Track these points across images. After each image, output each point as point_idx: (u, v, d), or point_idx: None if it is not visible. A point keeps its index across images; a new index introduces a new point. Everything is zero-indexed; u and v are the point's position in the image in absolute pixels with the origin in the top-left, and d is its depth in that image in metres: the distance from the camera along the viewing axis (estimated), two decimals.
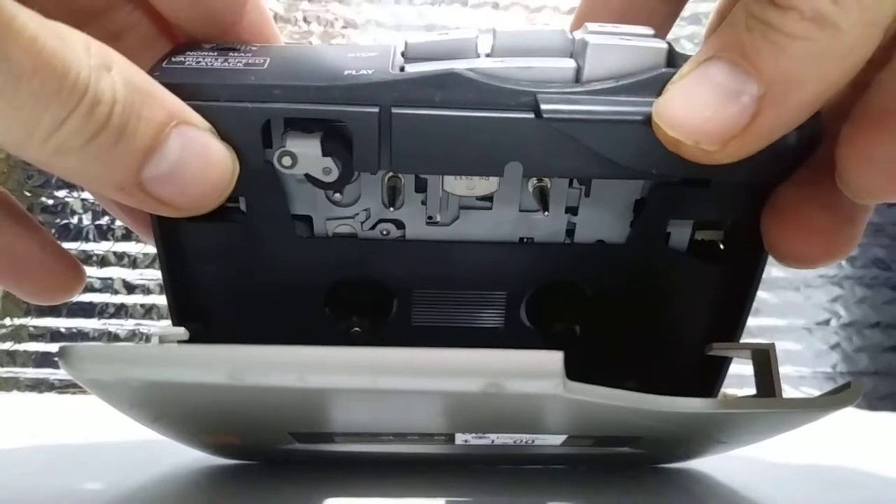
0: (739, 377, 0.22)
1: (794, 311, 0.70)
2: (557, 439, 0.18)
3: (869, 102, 0.15)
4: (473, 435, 0.18)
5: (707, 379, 0.22)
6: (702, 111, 0.14)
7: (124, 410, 0.17)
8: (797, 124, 0.15)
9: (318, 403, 0.15)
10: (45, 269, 0.19)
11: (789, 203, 0.17)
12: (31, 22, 0.13)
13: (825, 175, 0.16)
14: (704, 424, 0.17)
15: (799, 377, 0.70)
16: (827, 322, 0.71)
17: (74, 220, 0.67)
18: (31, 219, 0.19)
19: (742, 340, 0.21)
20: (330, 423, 0.17)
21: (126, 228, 0.67)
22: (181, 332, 0.18)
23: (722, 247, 0.21)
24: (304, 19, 0.68)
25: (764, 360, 0.18)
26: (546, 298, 0.21)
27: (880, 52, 0.15)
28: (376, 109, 0.17)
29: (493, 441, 0.18)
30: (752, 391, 0.18)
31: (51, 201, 0.66)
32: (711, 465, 0.23)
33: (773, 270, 0.68)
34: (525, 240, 0.20)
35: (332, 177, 0.18)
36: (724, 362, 0.21)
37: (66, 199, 0.67)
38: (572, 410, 0.15)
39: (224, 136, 0.16)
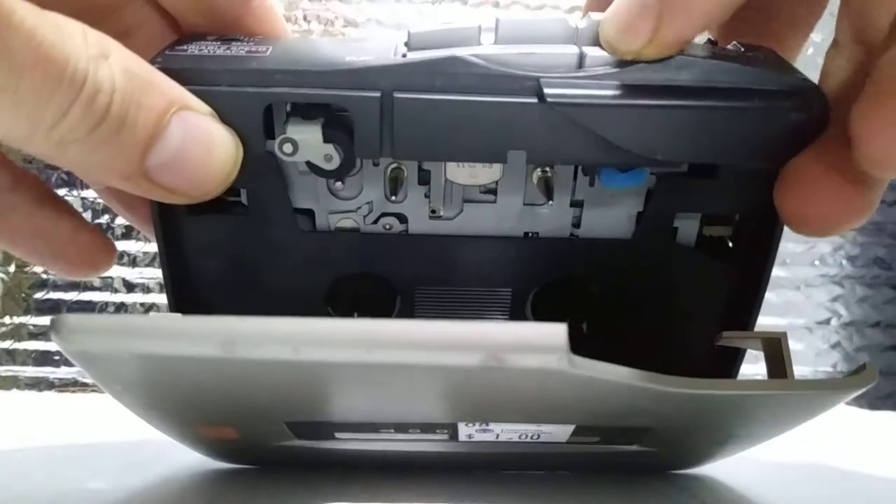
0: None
1: (795, 310, 0.70)
2: (564, 432, 0.18)
3: (877, 75, 0.16)
4: (477, 427, 0.18)
5: (719, 376, 0.21)
6: (623, 16, 0.17)
7: (117, 393, 0.16)
8: (692, 32, 0.17)
9: (314, 385, 0.15)
10: (78, 248, 0.20)
11: (802, 168, 0.17)
12: (30, 15, 0.13)
13: (837, 137, 0.16)
14: (716, 410, 0.17)
15: (801, 377, 0.70)
16: (827, 321, 0.71)
17: None
18: (64, 201, 0.20)
19: None
20: (327, 410, 0.17)
21: (126, 227, 0.67)
22: (177, 316, 0.18)
23: (731, 243, 0.20)
24: (305, 18, 0.68)
25: (776, 349, 0.17)
26: (552, 295, 0.21)
27: (881, 42, 0.16)
28: (378, 94, 0.16)
29: (497, 436, 0.18)
30: None
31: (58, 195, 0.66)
32: (710, 464, 0.23)
33: (774, 270, 0.68)
34: (530, 234, 0.20)
35: (334, 164, 0.17)
36: (737, 358, 0.21)
37: (66, 198, 0.67)
38: (577, 391, 0.15)
39: (225, 121, 0.16)
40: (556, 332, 0.13)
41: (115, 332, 0.13)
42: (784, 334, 0.17)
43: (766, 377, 0.18)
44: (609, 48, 0.17)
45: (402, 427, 0.18)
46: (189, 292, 0.20)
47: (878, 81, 0.16)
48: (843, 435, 0.29)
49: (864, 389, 0.16)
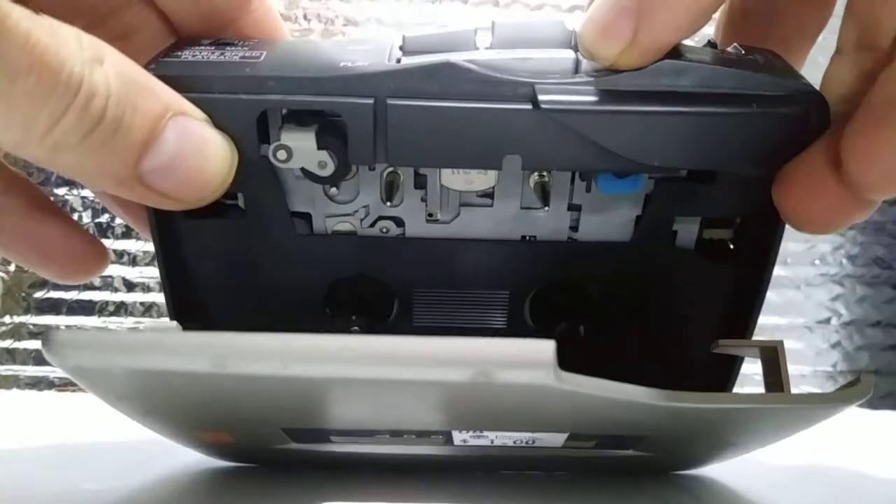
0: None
1: (795, 310, 0.70)
2: (558, 439, 0.18)
3: (872, 98, 0.16)
4: (471, 434, 0.18)
5: (718, 381, 0.21)
6: (600, 21, 0.16)
7: (113, 403, 0.16)
8: (672, 38, 0.16)
9: (307, 395, 0.15)
10: (68, 253, 0.20)
11: (802, 165, 0.17)
12: (24, 19, 0.13)
13: (837, 141, 0.16)
14: (709, 421, 0.17)
15: (800, 376, 0.69)
16: (828, 320, 0.71)
17: (74, 217, 0.67)
18: (55, 205, 0.20)
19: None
20: (322, 419, 0.17)
21: (126, 226, 0.67)
22: (173, 325, 0.18)
23: (731, 246, 0.20)
24: (305, 17, 0.68)
25: (772, 358, 0.17)
26: (550, 298, 0.21)
27: (886, 49, 0.15)
28: (371, 100, 0.16)
29: (492, 441, 0.18)
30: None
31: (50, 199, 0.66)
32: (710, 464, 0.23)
33: (774, 269, 0.68)
34: (527, 238, 0.20)
35: (328, 171, 0.17)
36: (735, 363, 0.21)
37: (66, 197, 0.67)
38: (568, 404, 0.15)
39: (220, 127, 0.16)
40: (543, 349, 0.13)
41: (106, 348, 0.13)
42: (781, 343, 0.17)
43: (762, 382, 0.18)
44: (587, 54, 0.17)
45: (396, 433, 0.18)
46: (187, 296, 0.20)
47: (874, 103, 0.16)
48: (843, 435, 0.29)
49: (859, 402, 0.16)
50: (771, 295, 0.68)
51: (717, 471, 0.23)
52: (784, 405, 0.16)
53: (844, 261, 0.71)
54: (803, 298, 0.70)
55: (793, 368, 0.17)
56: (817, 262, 0.71)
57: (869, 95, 0.16)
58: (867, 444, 0.29)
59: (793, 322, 0.70)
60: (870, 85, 0.16)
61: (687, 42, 0.17)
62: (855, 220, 0.17)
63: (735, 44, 0.19)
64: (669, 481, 0.22)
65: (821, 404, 0.16)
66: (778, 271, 0.74)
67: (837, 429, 0.27)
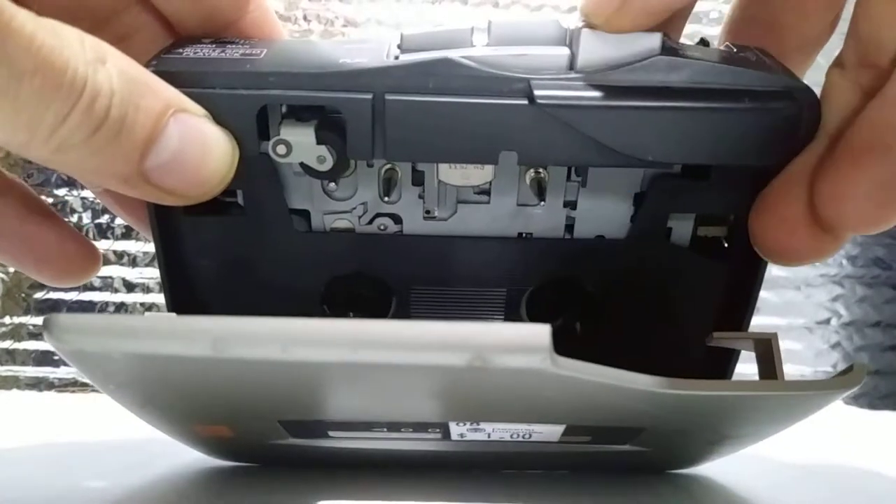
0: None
1: (795, 310, 0.70)
2: (555, 432, 0.18)
3: (847, 139, 0.16)
4: (468, 426, 0.18)
5: (713, 376, 0.21)
6: None
7: (112, 392, 0.16)
8: (661, 3, 0.16)
9: (305, 383, 0.15)
10: (62, 256, 0.20)
11: (777, 197, 0.17)
12: (29, 21, 0.13)
13: (813, 175, 0.17)
14: (703, 410, 0.17)
15: (800, 376, 0.69)
16: (827, 321, 0.71)
17: (74, 218, 0.67)
18: (49, 209, 0.20)
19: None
20: (320, 409, 0.17)
21: (126, 227, 0.67)
22: (171, 316, 0.18)
23: (725, 244, 0.20)
24: (304, 17, 0.68)
25: (767, 350, 0.17)
26: (546, 295, 0.21)
27: (886, 67, 0.16)
28: (370, 96, 0.17)
29: (489, 435, 0.18)
30: None
31: (50, 199, 0.66)
32: (708, 464, 0.23)
33: (774, 269, 0.68)
34: (524, 235, 0.20)
35: (327, 165, 0.18)
36: (730, 361, 0.21)
37: (66, 198, 0.67)
38: (564, 391, 0.15)
39: (220, 123, 0.17)
40: (539, 333, 0.13)
41: (107, 332, 0.13)
42: (775, 335, 0.17)
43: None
44: (585, 17, 0.17)
45: (394, 426, 0.18)
46: (186, 293, 0.20)
47: (848, 144, 0.16)
48: (843, 435, 0.29)
49: (852, 390, 0.16)
50: (770, 295, 0.68)
51: (715, 470, 0.23)
52: (780, 392, 0.16)
53: (844, 261, 0.70)
54: (803, 299, 0.70)
55: (793, 369, 0.17)
56: (817, 262, 0.71)
57: (844, 136, 0.16)
58: (867, 444, 0.29)
59: (792, 323, 0.69)
60: (867, 101, 0.16)
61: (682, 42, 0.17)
62: (828, 255, 0.17)
63: (727, 42, 0.19)
64: (666, 480, 0.22)
65: (815, 391, 0.16)
66: (777, 272, 0.74)
67: (837, 429, 0.28)
